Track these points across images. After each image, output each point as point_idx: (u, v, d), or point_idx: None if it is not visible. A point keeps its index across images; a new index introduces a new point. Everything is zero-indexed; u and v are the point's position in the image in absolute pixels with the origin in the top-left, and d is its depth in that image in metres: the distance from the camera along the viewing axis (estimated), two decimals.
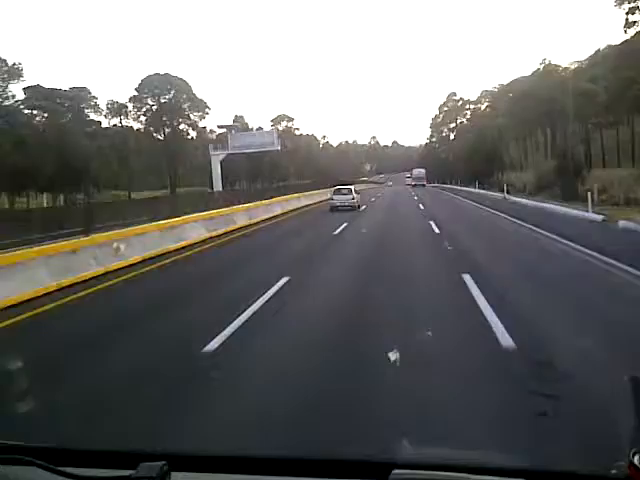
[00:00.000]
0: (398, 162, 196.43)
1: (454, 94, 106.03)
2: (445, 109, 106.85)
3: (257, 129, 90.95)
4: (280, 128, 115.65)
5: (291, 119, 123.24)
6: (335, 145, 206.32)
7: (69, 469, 1.08)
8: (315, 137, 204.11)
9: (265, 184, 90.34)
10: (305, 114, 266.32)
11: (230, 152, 67.16)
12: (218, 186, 62.50)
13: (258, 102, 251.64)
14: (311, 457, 1.29)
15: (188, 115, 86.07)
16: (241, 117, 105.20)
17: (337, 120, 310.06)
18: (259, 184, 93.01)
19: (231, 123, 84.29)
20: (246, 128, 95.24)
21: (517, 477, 1.02)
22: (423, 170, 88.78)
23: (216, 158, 66.43)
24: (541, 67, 76.30)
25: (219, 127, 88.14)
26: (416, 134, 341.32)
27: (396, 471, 1.04)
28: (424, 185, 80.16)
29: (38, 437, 3.00)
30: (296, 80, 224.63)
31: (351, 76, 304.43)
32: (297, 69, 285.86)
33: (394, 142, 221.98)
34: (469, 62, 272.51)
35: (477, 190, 52.80)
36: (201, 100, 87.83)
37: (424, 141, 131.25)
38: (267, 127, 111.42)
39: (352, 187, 31.94)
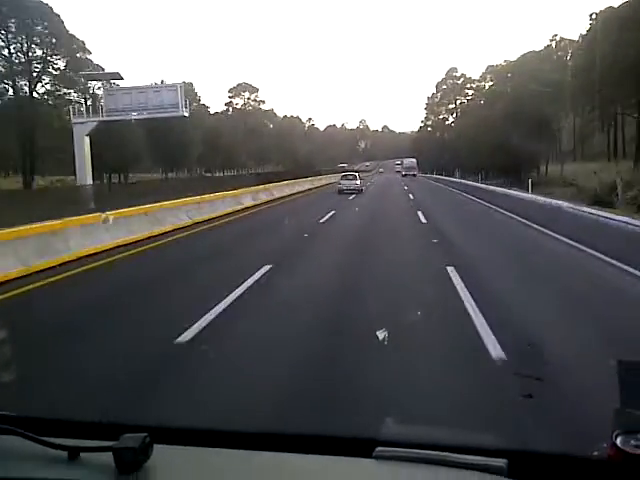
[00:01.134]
0: (389, 149, 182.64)
1: (454, 70, 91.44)
2: (444, 87, 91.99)
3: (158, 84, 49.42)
4: (239, 101, 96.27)
5: (255, 89, 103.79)
6: (322, 129, 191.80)
7: (51, 439, 1.05)
8: (300, 119, 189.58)
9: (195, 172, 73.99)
10: (289, 96, 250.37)
11: (104, 119, 40.09)
12: (84, 176, 38.30)
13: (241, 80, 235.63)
14: (295, 432, 1.30)
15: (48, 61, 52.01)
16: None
17: (325, 104, 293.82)
18: (182, 173, 76.24)
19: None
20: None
21: (499, 457, 1.02)
22: (414, 160, 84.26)
23: (81, 130, 39.15)
24: (552, 44, 63.18)
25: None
26: (408, 120, 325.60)
27: (379, 448, 1.06)
28: (415, 175, 75.18)
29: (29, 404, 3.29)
30: (279, 60, 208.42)
31: (340, 55, 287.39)
32: (282, 49, 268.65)
33: (384, 127, 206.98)
34: (468, 39, 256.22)
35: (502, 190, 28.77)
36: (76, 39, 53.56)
37: (417, 127, 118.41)
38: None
39: (357, 174, 36.61)
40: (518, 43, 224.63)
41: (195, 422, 1.31)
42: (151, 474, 1.00)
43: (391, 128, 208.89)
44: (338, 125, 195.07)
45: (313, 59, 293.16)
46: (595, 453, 0.98)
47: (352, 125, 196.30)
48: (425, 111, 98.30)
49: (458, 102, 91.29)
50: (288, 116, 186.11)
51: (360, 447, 1.08)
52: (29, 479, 1.01)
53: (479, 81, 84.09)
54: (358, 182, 33.16)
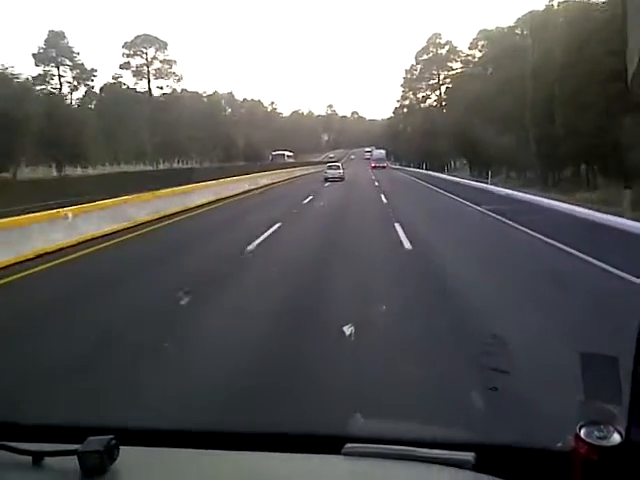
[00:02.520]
0: (359, 136, 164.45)
1: (438, 36, 72.38)
2: (425, 57, 73.03)
3: None
4: (139, 61, 72.64)
5: (164, 45, 72.42)
6: (288, 114, 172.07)
7: (15, 444, 1.03)
8: (261, 102, 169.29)
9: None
10: (253, 80, 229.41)
11: None
12: None
13: (211, 66, 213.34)
14: (262, 431, 1.28)
15: None
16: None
17: (291, 89, 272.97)
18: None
19: None
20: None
21: (467, 451, 1.04)
22: (383, 151, 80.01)
23: None
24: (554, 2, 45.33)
25: None
26: (380, 107, 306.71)
27: (348, 445, 1.06)
28: (384, 167, 69.16)
29: None
30: (243, 42, 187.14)
31: (306, 35, 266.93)
32: (247, 30, 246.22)
33: (354, 112, 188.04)
34: (447, 15, 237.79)
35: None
36: None
37: (389, 115, 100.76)
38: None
39: (339, 164, 42.01)
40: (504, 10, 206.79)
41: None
42: (117, 477, 0.98)
43: (361, 114, 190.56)
44: (305, 111, 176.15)
45: (278, 39, 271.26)
46: (559, 445, 0.99)
47: (320, 111, 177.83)
48: (402, 88, 79.66)
49: (442, 76, 72.43)
50: (249, 99, 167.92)
51: (329, 444, 1.07)
52: None
53: (470, 48, 65.41)
54: (341, 171, 38.26)
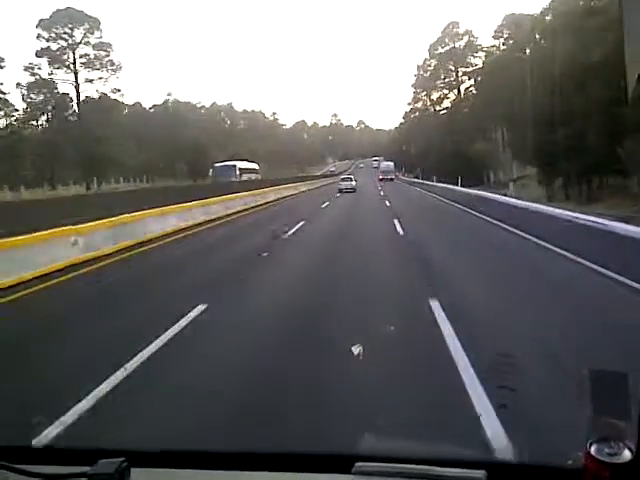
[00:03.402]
0: (366, 147, 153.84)
1: (455, 25, 61.02)
2: (440, 50, 61.74)
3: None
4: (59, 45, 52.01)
5: (95, 24, 53.54)
6: (290, 126, 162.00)
7: (27, 467, 1.06)
8: (263, 114, 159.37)
9: None
10: (254, 91, 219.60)
11: None
12: None
13: (212, 78, 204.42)
14: (273, 451, 1.29)
15: None
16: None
17: (293, 100, 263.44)
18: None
19: None
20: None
21: (478, 469, 1.03)
22: (391, 163, 75.34)
23: None
24: None
25: None
26: (387, 118, 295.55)
27: (359, 464, 1.06)
28: (392, 179, 65.27)
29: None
30: (243, 53, 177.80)
31: (308, 44, 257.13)
32: (249, 41, 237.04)
33: (360, 122, 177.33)
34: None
35: None
36: None
37: (395, 125, 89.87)
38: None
39: (352, 177, 43.70)
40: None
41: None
42: None
43: (368, 124, 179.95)
44: (309, 122, 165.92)
45: (279, 49, 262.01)
46: (570, 462, 0.99)
47: (325, 121, 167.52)
48: (413, 89, 68.64)
49: (461, 73, 61.07)
50: (249, 110, 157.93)
51: (339, 463, 1.07)
52: None
53: (495, 37, 54.12)
54: (354, 183, 40.52)
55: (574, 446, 0.95)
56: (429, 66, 62.51)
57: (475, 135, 42.29)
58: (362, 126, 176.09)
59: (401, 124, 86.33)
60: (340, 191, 37.06)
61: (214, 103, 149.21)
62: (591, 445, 0.89)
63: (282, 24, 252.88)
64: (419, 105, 69.08)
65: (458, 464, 1.04)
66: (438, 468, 1.01)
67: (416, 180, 51.32)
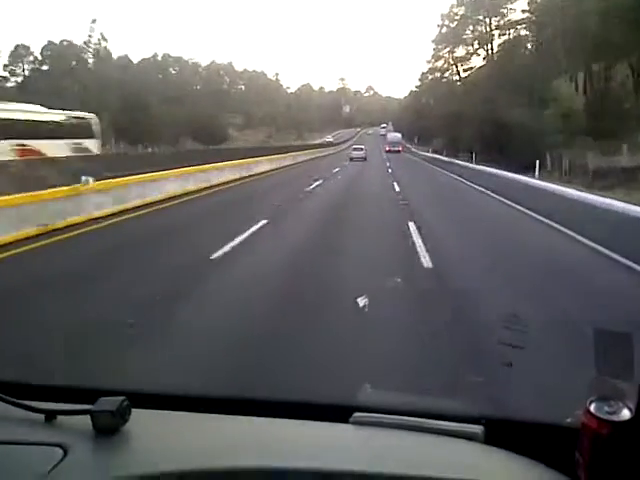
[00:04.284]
0: (374, 115, 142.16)
1: None
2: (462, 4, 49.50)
3: None
4: None
5: None
6: (294, 90, 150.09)
7: (28, 402, 1.05)
8: (264, 74, 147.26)
9: None
10: (257, 52, 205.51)
11: None
12: None
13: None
14: (271, 398, 1.30)
15: None
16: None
17: (299, 61, 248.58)
18: None
19: None
20: None
21: (476, 424, 1.03)
22: (399, 134, 70.36)
23: None
24: None
25: None
26: (396, 86, 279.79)
27: (357, 414, 1.06)
28: (399, 151, 58.05)
29: None
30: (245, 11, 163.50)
31: (315, 5, 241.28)
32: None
33: (369, 88, 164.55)
34: None
35: None
36: None
37: (408, 92, 78.31)
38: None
39: (363, 146, 45.06)
40: None
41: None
42: (129, 437, 0.99)
43: (377, 90, 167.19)
44: (315, 87, 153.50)
45: (285, 9, 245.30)
46: (569, 419, 1.00)
47: (331, 86, 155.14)
48: (433, 46, 57.08)
49: (493, 26, 49.30)
50: (250, 70, 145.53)
51: (337, 413, 1.07)
52: (6, 442, 0.98)
53: None
54: (363, 153, 41.60)
55: None
56: (455, 16, 50.79)
57: (522, 102, 31.13)
58: (371, 92, 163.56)
59: (417, 87, 74.66)
60: (351, 159, 39.54)
61: (213, 61, 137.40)
62: (591, 403, 0.89)
63: None
64: (440, 64, 57.49)
65: (456, 418, 1.04)
66: (435, 421, 1.02)
67: (438, 157, 40.20)
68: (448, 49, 54.69)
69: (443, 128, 53.63)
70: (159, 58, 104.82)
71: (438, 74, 58.79)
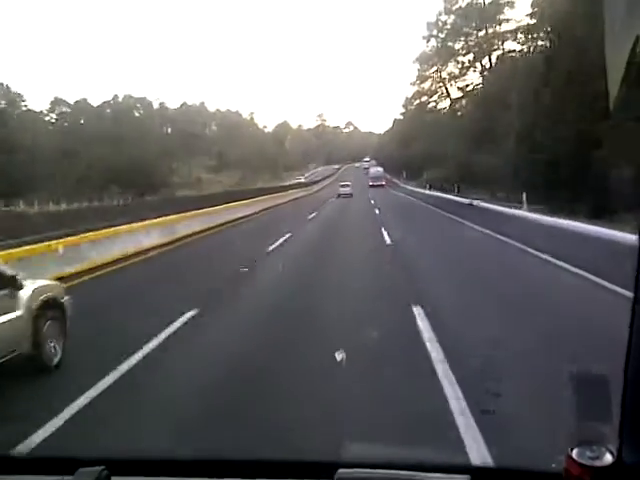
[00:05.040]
0: (354, 151, 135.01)
1: None
2: (459, 4, 41.60)
3: None
4: None
5: None
6: (271, 128, 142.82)
7: (7, 477, 1.06)
8: (240, 114, 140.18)
9: None
10: (233, 93, 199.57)
11: None
12: None
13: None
14: (254, 458, 1.26)
15: None
16: None
17: (276, 103, 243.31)
18: None
19: None
20: None
21: (462, 474, 1.02)
22: (380, 169, 67.73)
23: None
24: None
25: None
26: (376, 121, 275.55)
27: (341, 470, 1.03)
28: (382, 185, 56.55)
29: None
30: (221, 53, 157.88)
31: (292, 44, 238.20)
32: (228, 39, 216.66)
33: (349, 123, 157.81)
34: None
35: None
36: None
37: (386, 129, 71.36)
38: None
39: (349, 183, 45.64)
40: None
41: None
42: None
43: (356, 125, 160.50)
44: (293, 125, 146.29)
45: (262, 47, 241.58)
46: (553, 466, 0.97)
47: (310, 124, 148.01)
48: (417, 72, 49.01)
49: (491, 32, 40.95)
50: (223, 110, 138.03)
51: (321, 470, 1.06)
52: None
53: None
54: (350, 190, 43.08)
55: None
56: (445, 26, 42.51)
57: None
58: (351, 127, 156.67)
59: (402, 114, 66.42)
60: (338, 195, 41.30)
61: (184, 103, 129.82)
62: (573, 449, 0.88)
63: (262, 19, 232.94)
64: (427, 85, 49.14)
65: (441, 469, 1.03)
66: (422, 474, 1.01)
67: (441, 196, 30.84)
68: (436, 67, 46.45)
69: (432, 159, 44.93)
70: (119, 100, 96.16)
71: (425, 98, 50.41)
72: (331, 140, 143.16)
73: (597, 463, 0.84)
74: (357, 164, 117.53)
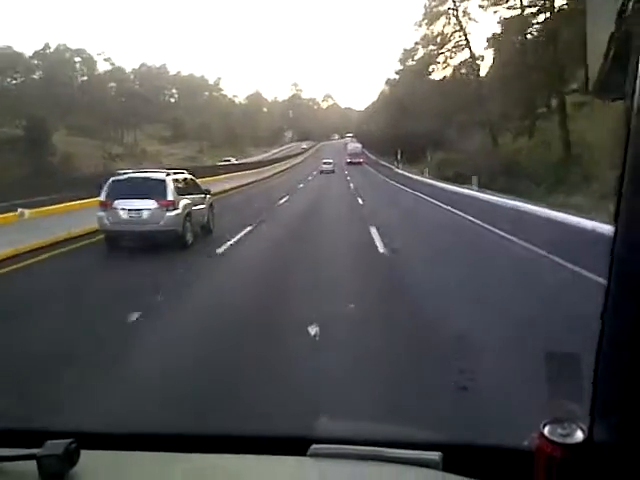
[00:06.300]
0: (330, 127, 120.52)
1: None
2: None
3: None
4: None
5: None
6: (243, 99, 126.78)
7: None
8: (205, 79, 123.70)
9: None
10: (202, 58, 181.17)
11: None
12: None
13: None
14: (226, 433, 1.24)
15: None
16: None
17: (251, 72, 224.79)
18: None
19: None
20: None
21: (433, 450, 1.03)
22: (359, 145, 66.62)
23: None
24: None
25: None
26: (357, 98, 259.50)
27: (314, 446, 1.04)
28: (360, 163, 54.53)
29: None
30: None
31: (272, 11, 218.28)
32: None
33: (327, 96, 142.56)
34: None
35: None
36: None
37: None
38: None
39: (332, 161, 46.43)
40: None
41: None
42: None
43: (336, 101, 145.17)
44: (269, 97, 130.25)
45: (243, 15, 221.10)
46: (525, 443, 0.98)
47: (284, 95, 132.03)
48: (424, 8, 34.62)
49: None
50: (185, 74, 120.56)
51: (295, 445, 1.05)
52: None
53: None
54: (332, 166, 44.18)
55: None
56: None
57: None
58: (330, 101, 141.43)
59: (397, 72, 51.67)
60: (321, 172, 42.09)
61: (143, 64, 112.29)
62: (545, 426, 0.89)
63: None
64: (438, 28, 34.38)
65: (413, 446, 1.03)
66: (394, 450, 1.02)
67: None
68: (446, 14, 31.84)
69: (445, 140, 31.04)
70: (51, 50, 78.52)
71: (433, 48, 35.59)
72: (305, 114, 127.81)
73: (568, 440, 0.85)
74: (336, 140, 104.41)
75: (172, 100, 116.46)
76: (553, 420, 0.89)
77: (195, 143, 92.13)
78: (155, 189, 8.92)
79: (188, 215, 9.31)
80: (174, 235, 8.95)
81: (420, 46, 36.46)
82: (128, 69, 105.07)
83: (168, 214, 8.83)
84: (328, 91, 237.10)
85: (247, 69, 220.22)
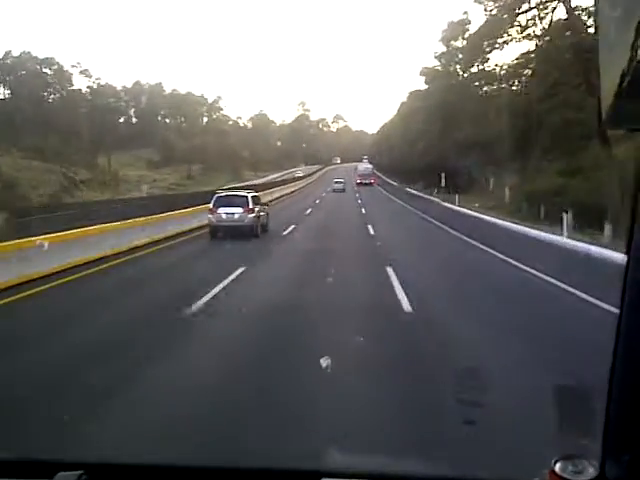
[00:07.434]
0: (346, 149, 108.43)
1: None
2: None
3: None
4: None
5: None
6: (246, 121, 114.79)
7: None
8: (205, 99, 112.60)
9: None
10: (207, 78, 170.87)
11: None
12: None
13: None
14: (236, 466, 1.23)
15: None
16: None
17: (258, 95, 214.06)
18: None
19: None
20: None
21: None
22: (369, 166, 63.47)
23: None
24: None
25: None
26: (369, 121, 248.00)
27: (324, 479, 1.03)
28: (371, 184, 53.37)
29: None
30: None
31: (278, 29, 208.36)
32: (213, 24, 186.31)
33: (338, 117, 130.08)
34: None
35: None
36: None
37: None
38: None
39: (343, 180, 48.66)
40: None
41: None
42: None
43: (347, 123, 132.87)
44: (277, 120, 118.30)
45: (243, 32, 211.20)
46: (536, 479, 0.97)
47: (291, 118, 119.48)
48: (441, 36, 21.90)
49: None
50: (181, 92, 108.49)
51: (304, 478, 1.06)
52: None
53: None
54: (343, 186, 46.58)
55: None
56: None
57: None
58: (340, 123, 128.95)
59: (425, 80, 38.22)
60: (334, 190, 44.62)
61: (137, 81, 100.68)
62: (556, 463, 0.87)
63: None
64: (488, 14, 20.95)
65: (423, 479, 1.02)
66: None
67: None
68: None
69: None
70: (12, 58, 66.36)
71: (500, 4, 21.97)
72: (313, 135, 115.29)
73: (580, 477, 0.83)
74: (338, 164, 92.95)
75: (167, 120, 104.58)
76: (564, 456, 0.86)
77: (183, 168, 79.73)
78: (242, 201, 15.15)
79: (258, 218, 15.28)
80: (251, 229, 14.97)
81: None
82: (119, 87, 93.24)
83: (249, 216, 14.95)
84: (339, 112, 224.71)
85: (251, 89, 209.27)
